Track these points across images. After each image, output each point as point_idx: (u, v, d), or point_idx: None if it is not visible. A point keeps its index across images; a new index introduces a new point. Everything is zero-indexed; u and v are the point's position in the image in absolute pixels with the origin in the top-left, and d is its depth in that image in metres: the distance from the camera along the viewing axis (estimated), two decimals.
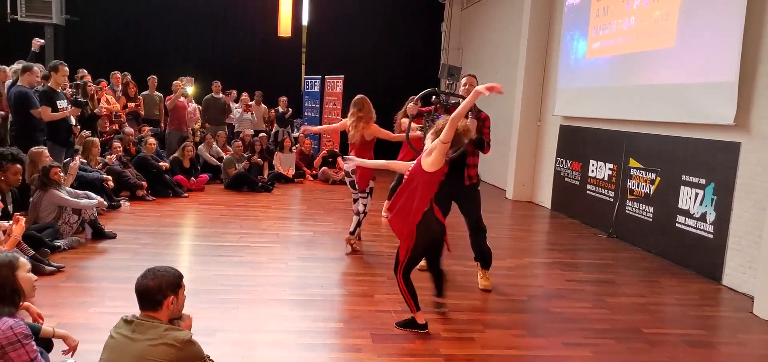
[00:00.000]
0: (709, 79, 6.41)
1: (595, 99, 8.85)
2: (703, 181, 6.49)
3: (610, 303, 5.31)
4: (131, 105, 10.86)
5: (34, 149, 6.38)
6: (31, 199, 6.12)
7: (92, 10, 13.88)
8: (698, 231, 6.50)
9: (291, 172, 11.50)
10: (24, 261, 2.89)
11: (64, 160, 7.35)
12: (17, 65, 7.61)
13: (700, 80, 6.56)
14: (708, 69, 6.44)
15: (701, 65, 6.56)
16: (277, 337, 4.13)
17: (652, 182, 7.39)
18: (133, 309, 2.77)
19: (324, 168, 11.90)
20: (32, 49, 8.84)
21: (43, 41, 9.35)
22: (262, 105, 13.12)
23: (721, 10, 6.30)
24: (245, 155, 10.63)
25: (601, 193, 8.61)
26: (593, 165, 8.87)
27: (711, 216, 6.34)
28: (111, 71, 11.07)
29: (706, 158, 6.47)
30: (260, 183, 10.33)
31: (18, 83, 7.13)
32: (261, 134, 11.95)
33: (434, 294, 4.77)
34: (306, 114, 15.06)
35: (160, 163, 9.37)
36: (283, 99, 13.37)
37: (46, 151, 6.44)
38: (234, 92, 12.93)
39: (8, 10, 12.51)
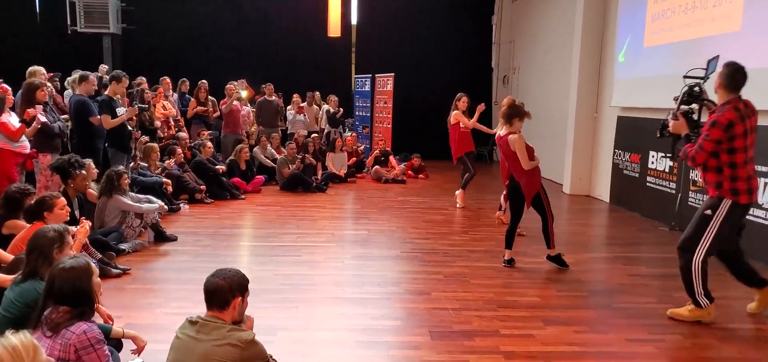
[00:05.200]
0: None
1: (654, 88, 8.55)
2: None
3: (676, 298, 5.10)
4: (201, 108, 11.12)
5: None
6: (96, 205, 6.35)
7: (147, 19, 14.38)
8: None
9: (343, 172, 11.56)
10: (93, 265, 2.99)
11: (130, 166, 7.63)
12: (75, 75, 7.90)
13: None
14: None
15: None
16: (337, 335, 4.16)
17: None
18: (197, 309, 2.83)
19: (376, 167, 11.92)
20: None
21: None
22: (314, 106, 13.26)
23: None
24: (298, 156, 10.75)
25: (662, 185, 8.33)
26: (653, 156, 8.59)
27: None
28: (170, 78, 11.37)
29: None
30: (314, 184, 10.44)
31: (76, 92, 7.41)
32: (313, 135, 12.06)
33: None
34: (357, 113, 15.15)
35: (217, 166, 9.58)
36: (334, 98, 13.44)
37: (92, 162, 6.60)
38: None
39: (68, 22, 13.13)
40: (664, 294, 5.21)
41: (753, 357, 4.03)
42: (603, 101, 10.30)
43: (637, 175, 9.03)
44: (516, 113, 5.74)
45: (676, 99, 4.63)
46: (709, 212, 4.31)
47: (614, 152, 9.75)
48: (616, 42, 9.66)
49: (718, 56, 4.55)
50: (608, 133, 10.02)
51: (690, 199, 7.59)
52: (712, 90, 4.51)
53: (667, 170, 8.22)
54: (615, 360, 3.89)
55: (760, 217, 6.31)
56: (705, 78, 4.60)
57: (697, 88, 4.56)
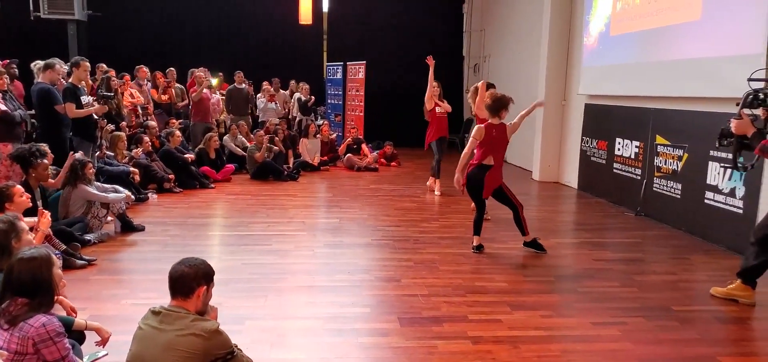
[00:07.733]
0: (737, 51, 6.24)
1: (620, 76, 8.70)
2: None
3: (639, 281, 5.24)
4: (164, 97, 10.95)
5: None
6: (61, 194, 6.23)
7: (114, 5, 14.03)
8: (728, 207, 6.37)
9: (316, 160, 11.50)
10: (54, 256, 2.93)
11: (96, 155, 7.48)
12: (39, 63, 7.68)
13: (727, 53, 6.40)
14: (735, 41, 6.28)
15: (728, 37, 6.39)
16: (306, 323, 4.16)
17: (680, 159, 7.26)
18: (164, 299, 2.81)
19: (349, 155, 11.90)
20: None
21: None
22: (281, 90, 13.20)
23: None
24: (269, 144, 10.66)
25: (628, 171, 8.49)
26: (619, 143, 8.74)
27: (740, 192, 6.20)
28: (135, 65, 11.16)
29: None
30: (286, 172, 10.38)
31: (39, 80, 7.22)
32: (279, 121, 11.92)
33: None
34: (329, 101, 15.09)
35: (186, 155, 9.46)
36: (306, 86, 13.35)
37: (47, 147, 6.45)
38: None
39: (31, 8, 12.62)
40: (627, 278, 5.32)
41: (713, 337, 4.15)
42: (571, 89, 10.43)
43: (603, 162, 9.18)
44: (502, 105, 5.85)
45: (737, 104, 4.58)
46: None
47: (582, 139, 9.89)
48: (583, 31, 9.78)
49: None
50: (576, 121, 10.16)
51: (655, 186, 7.76)
52: None
53: (632, 157, 8.37)
54: (580, 343, 3.96)
55: (720, 202, 6.48)
56: None
57: (761, 94, 4.46)
